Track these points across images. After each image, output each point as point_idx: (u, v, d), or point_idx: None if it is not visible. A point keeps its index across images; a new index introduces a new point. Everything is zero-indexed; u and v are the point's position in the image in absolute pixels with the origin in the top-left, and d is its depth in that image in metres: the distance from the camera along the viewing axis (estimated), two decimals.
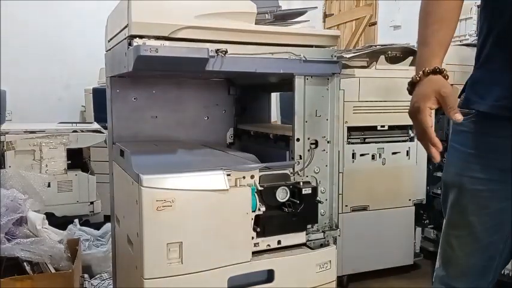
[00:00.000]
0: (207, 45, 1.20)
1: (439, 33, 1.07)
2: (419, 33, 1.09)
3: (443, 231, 1.17)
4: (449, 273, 1.18)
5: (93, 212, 2.89)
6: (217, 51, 1.21)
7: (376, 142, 2.34)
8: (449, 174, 1.13)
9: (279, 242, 1.37)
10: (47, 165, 2.71)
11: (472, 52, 3.02)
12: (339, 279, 2.23)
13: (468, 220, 1.08)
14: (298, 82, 1.37)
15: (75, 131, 2.80)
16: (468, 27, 2.62)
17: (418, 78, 1.03)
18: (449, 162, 1.14)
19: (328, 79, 1.42)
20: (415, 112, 1.01)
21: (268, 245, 1.35)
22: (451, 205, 1.12)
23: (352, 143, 2.29)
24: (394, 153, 2.39)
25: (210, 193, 1.22)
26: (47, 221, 2.00)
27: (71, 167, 2.82)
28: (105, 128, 2.28)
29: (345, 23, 4.63)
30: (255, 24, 1.31)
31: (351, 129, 2.28)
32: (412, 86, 1.05)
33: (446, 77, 1.05)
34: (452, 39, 2.91)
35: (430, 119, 1.01)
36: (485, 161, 1.03)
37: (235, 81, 1.89)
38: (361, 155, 2.30)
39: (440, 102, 1.01)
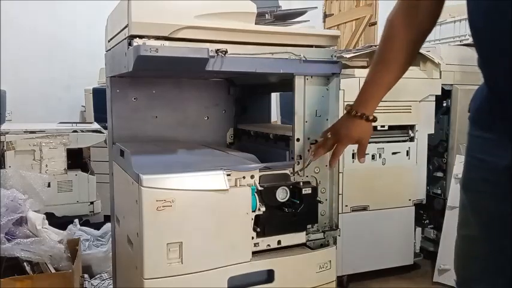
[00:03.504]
0: (207, 45, 1.20)
1: (382, 75, 1.19)
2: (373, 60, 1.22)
3: (457, 234, 1.11)
4: (460, 276, 1.10)
5: (93, 212, 2.89)
6: (217, 51, 1.21)
7: (376, 142, 2.34)
8: (461, 178, 1.11)
9: (279, 242, 1.37)
10: (47, 165, 2.71)
11: (472, 52, 3.00)
12: (339, 279, 2.23)
13: (470, 221, 1.04)
14: (298, 82, 1.37)
15: (75, 131, 2.80)
16: (468, 27, 2.62)
17: (354, 113, 1.22)
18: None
19: (328, 79, 1.42)
20: (337, 136, 1.27)
21: (268, 245, 1.35)
22: (459, 207, 1.10)
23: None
24: (394, 153, 2.39)
25: (210, 193, 1.22)
26: (47, 221, 2.00)
27: (71, 167, 2.83)
28: (105, 128, 2.28)
29: (345, 23, 4.62)
30: (255, 24, 1.30)
31: None
32: (348, 112, 1.24)
33: (375, 120, 1.24)
34: (452, 39, 2.90)
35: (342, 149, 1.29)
36: (476, 161, 1.02)
37: (235, 81, 1.89)
38: None
39: (358, 145, 1.27)
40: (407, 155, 2.43)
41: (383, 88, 1.20)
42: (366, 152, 1.34)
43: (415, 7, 1.09)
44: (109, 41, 1.55)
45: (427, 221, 2.75)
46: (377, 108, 1.25)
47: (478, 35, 0.95)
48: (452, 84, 2.57)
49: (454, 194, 2.40)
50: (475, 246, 1.03)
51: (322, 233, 1.46)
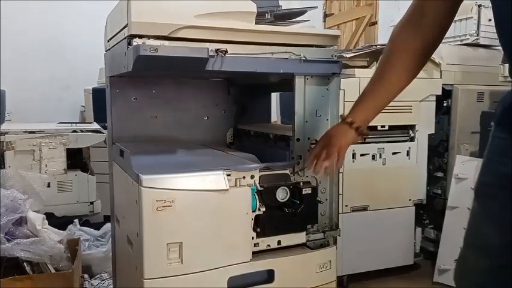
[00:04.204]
0: (207, 45, 1.20)
1: (378, 89, 1.16)
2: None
3: (463, 243, 1.02)
4: None
5: (93, 212, 2.88)
6: (217, 51, 1.20)
7: (376, 142, 2.34)
8: (475, 183, 1.02)
9: (279, 242, 1.36)
10: (46, 165, 2.71)
11: (473, 52, 3.02)
12: (339, 279, 2.23)
13: (482, 230, 0.95)
14: (298, 82, 1.37)
15: (74, 131, 2.80)
16: (468, 27, 2.62)
17: (342, 117, 1.21)
18: None
19: (328, 79, 1.42)
20: (324, 138, 1.27)
21: (268, 245, 1.35)
22: (470, 214, 1.00)
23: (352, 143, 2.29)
24: (394, 153, 2.39)
25: (210, 193, 1.22)
26: (47, 221, 2.00)
27: (70, 167, 2.82)
28: (105, 128, 2.28)
29: (345, 22, 4.62)
30: (255, 24, 1.30)
31: None
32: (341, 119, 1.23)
33: (361, 131, 1.20)
34: (453, 39, 2.89)
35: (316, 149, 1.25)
36: (495, 164, 0.93)
37: (235, 81, 1.89)
38: (361, 155, 2.30)
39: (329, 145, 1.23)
40: (407, 155, 2.43)
41: (376, 101, 1.17)
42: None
43: (420, 19, 1.03)
44: (109, 41, 1.55)
45: (427, 221, 2.75)
46: None
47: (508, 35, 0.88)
48: (452, 84, 2.57)
49: (454, 194, 2.40)
50: (484, 257, 0.94)
51: (322, 233, 1.45)
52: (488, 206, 0.93)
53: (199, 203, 1.21)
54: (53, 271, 1.80)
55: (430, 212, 2.71)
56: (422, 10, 1.03)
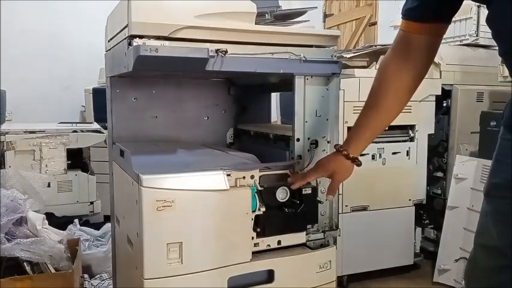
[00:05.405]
0: (207, 45, 1.20)
1: (370, 119, 1.19)
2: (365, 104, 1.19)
3: (473, 244, 1.03)
4: None
5: (93, 212, 2.89)
6: (217, 51, 1.21)
7: (376, 142, 2.34)
8: (485, 184, 1.04)
9: (279, 242, 1.37)
10: (47, 165, 2.72)
11: (473, 52, 3.02)
12: (339, 279, 2.23)
13: (491, 230, 0.97)
14: (298, 82, 1.37)
15: (75, 131, 2.80)
16: (468, 27, 2.63)
17: (338, 148, 1.23)
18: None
19: (328, 79, 1.42)
20: (316, 165, 1.30)
21: (268, 245, 1.35)
22: (480, 214, 1.02)
23: None
24: (394, 153, 2.39)
25: (210, 193, 1.22)
26: (47, 221, 2.00)
27: (71, 167, 2.83)
28: (105, 128, 2.28)
29: (345, 23, 4.63)
30: (255, 24, 1.30)
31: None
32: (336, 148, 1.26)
33: (357, 161, 1.24)
34: (452, 39, 2.90)
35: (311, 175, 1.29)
36: (506, 166, 0.95)
37: (235, 81, 1.89)
38: (361, 155, 2.28)
39: (331, 180, 1.27)
40: (407, 155, 2.43)
41: (370, 132, 1.21)
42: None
43: (407, 51, 1.08)
44: (109, 41, 1.55)
45: (427, 221, 2.76)
46: None
47: None
48: (452, 84, 2.57)
49: (453, 194, 2.40)
50: (495, 257, 0.96)
51: (322, 233, 1.45)
52: (500, 207, 0.94)
53: (199, 203, 1.21)
54: (53, 271, 1.81)
55: (430, 212, 2.71)
56: (409, 44, 1.07)
